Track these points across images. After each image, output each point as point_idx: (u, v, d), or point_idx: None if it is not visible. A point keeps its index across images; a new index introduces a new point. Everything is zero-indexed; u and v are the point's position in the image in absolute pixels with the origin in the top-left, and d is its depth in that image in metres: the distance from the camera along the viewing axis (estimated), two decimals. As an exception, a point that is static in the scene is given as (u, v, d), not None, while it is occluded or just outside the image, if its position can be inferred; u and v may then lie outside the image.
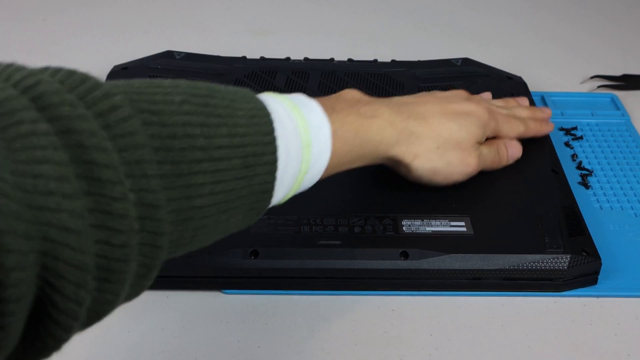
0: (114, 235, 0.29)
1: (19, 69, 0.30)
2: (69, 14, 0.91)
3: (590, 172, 0.65)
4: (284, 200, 0.44)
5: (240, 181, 0.37)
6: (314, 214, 0.54)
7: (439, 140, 0.54)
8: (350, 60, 0.76)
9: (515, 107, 0.64)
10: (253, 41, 0.86)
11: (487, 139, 0.59)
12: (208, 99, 0.37)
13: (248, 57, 0.75)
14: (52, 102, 0.29)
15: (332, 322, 0.51)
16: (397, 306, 0.52)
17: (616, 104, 0.75)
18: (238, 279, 0.52)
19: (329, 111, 0.46)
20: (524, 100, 0.66)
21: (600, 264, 0.53)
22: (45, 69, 0.31)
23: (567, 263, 0.52)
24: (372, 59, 0.76)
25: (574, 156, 0.67)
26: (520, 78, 0.74)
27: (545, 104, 0.74)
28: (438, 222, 0.54)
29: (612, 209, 0.61)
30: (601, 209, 0.61)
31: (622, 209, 0.61)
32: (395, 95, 0.69)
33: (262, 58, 0.75)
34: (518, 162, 0.60)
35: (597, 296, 0.53)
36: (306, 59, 0.76)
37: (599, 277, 0.54)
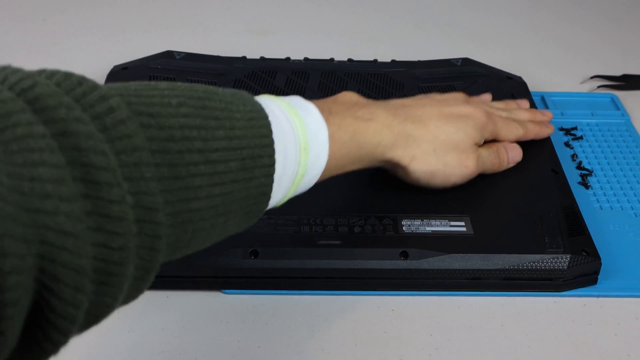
0: (112, 238, 0.29)
1: (15, 71, 0.30)
2: (69, 14, 0.91)
3: (590, 172, 0.65)
4: (281, 203, 0.44)
5: (237, 184, 0.37)
6: (314, 214, 0.54)
7: (436, 142, 0.54)
8: (350, 60, 0.76)
9: (515, 109, 0.63)
10: (253, 41, 0.86)
11: (487, 142, 0.59)
12: (205, 101, 0.37)
13: (248, 57, 0.75)
14: (48, 105, 0.29)
15: (332, 322, 0.51)
16: (397, 306, 0.52)
17: (616, 104, 0.75)
18: (238, 279, 0.52)
19: (326, 114, 0.46)
20: (525, 103, 0.66)
21: (600, 264, 0.53)
22: (41, 71, 0.31)
23: (567, 263, 0.52)
24: (372, 59, 0.76)
25: (574, 156, 0.67)
26: (520, 78, 0.74)
27: (545, 104, 0.74)
28: (438, 222, 0.54)
29: (612, 209, 0.61)
30: (601, 209, 0.61)
31: (622, 209, 0.61)
32: (395, 95, 0.69)
33: (262, 58, 0.75)
34: (518, 162, 0.60)
35: (597, 296, 0.53)
36: (306, 59, 0.76)
37: (599, 277, 0.54)
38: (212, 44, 0.79)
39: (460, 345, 0.49)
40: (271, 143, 0.39)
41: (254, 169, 0.38)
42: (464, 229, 0.54)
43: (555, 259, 0.52)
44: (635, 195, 0.62)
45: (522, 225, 0.54)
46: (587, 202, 0.61)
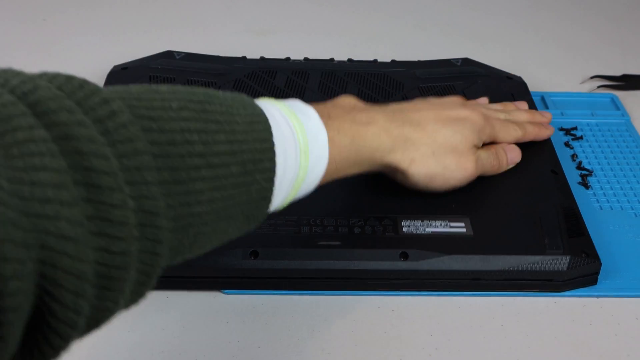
0: (113, 243, 0.29)
1: (16, 74, 0.30)
2: (69, 14, 0.91)
3: (590, 172, 0.65)
4: (282, 207, 0.44)
5: (238, 188, 0.37)
6: (314, 214, 0.54)
7: (435, 145, 0.54)
8: (350, 60, 0.76)
9: (513, 111, 0.63)
10: (253, 41, 0.86)
11: (486, 144, 0.59)
12: (205, 104, 0.37)
13: (248, 57, 0.75)
14: (49, 108, 0.28)
15: (332, 322, 0.51)
16: (397, 306, 0.52)
17: (616, 104, 0.75)
18: (238, 279, 0.52)
19: (325, 118, 0.46)
20: (523, 104, 0.66)
21: (600, 265, 0.53)
22: (42, 75, 0.31)
23: (566, 264, 0.52)
24: (372, 59, 0.76)
25: (573, 156, 0.67)
26: (520, 78, 0.74)
27: (545, 104, 0.74)
28: (438, 223, 0.54)
29: (612, 209, 0.61)
30: (601, 209, 0.61)
31: (622, 209, 0.61)
32: (395, 95, 0.69)
33: (262, 58, 0.75)
34: (518, 163, 0.60)
35: (597, 296, 0.53)
36: (306, 59, 0.76)
37: (599, 277, 0.54)
38: (212, 44, 0.79)
39: (460, 345, 0.49)
40: (272, 147, 0.39)
41: (255, 173, 0.38)
42: (463, 230, 0.54)
43: (555, 261, 0.52)
44: (635, 195, 0.62)
45: (521, 226, 0.54)
46: (587, 202, 0.61)
